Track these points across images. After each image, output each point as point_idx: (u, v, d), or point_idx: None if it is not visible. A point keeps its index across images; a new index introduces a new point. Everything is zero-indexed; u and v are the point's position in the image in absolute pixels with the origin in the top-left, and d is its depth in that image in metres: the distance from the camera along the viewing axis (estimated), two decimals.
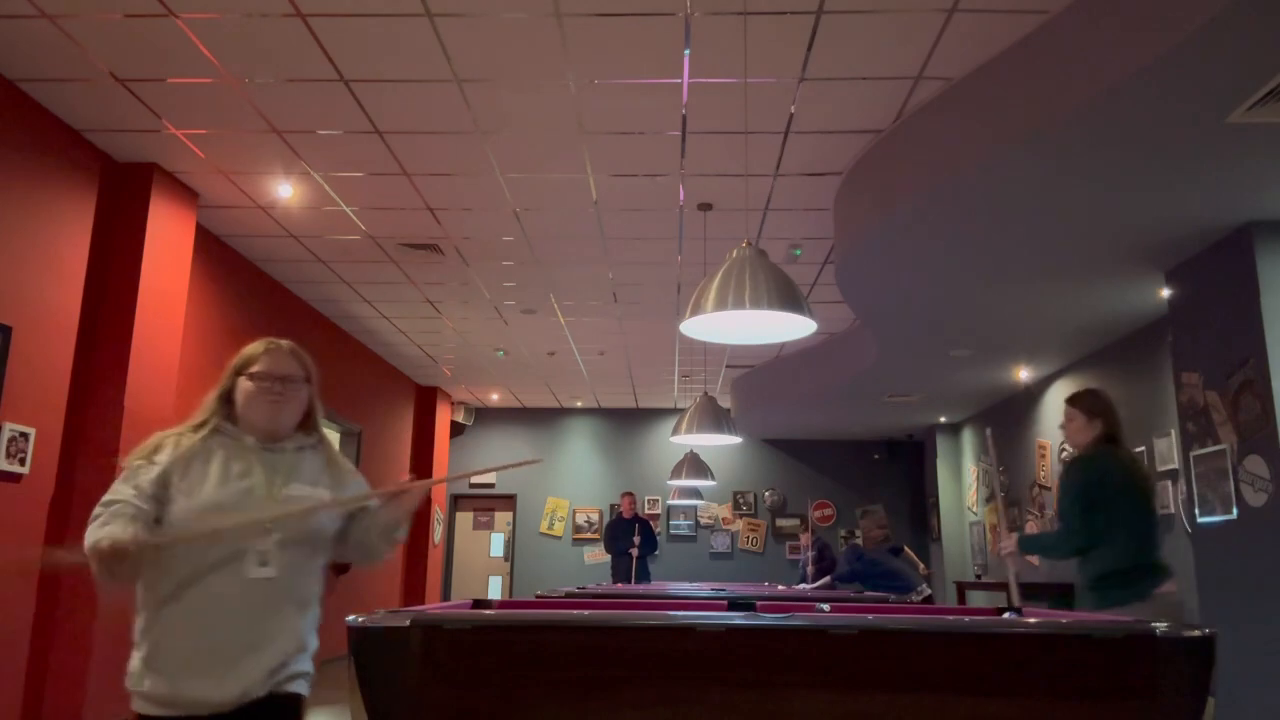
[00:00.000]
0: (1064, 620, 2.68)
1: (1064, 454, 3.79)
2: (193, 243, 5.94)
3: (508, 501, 13.01)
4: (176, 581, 1.95)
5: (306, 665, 2.08)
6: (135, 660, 1.95)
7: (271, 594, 2.00)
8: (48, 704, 4.89)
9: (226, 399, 2.15)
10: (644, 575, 9.85)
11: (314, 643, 2.11)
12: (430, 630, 2.30)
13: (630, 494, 10.73)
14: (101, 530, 1.91)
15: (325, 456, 2.21)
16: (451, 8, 3.97)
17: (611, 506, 12.66)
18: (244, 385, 2.12)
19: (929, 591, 7.86)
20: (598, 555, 12.44)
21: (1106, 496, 3.60)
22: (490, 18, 4.04)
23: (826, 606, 3.32)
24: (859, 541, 10.33)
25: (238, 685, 1.93)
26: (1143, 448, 6.80)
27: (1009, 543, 3.87)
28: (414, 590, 11.60)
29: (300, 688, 2.06)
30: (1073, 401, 3.90)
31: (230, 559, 1.96)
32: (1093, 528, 3.59)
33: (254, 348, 2.18)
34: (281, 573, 2.01)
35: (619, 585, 7.97)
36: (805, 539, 11.00)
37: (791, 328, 3.87)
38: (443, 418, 12.21)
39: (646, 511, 12.51)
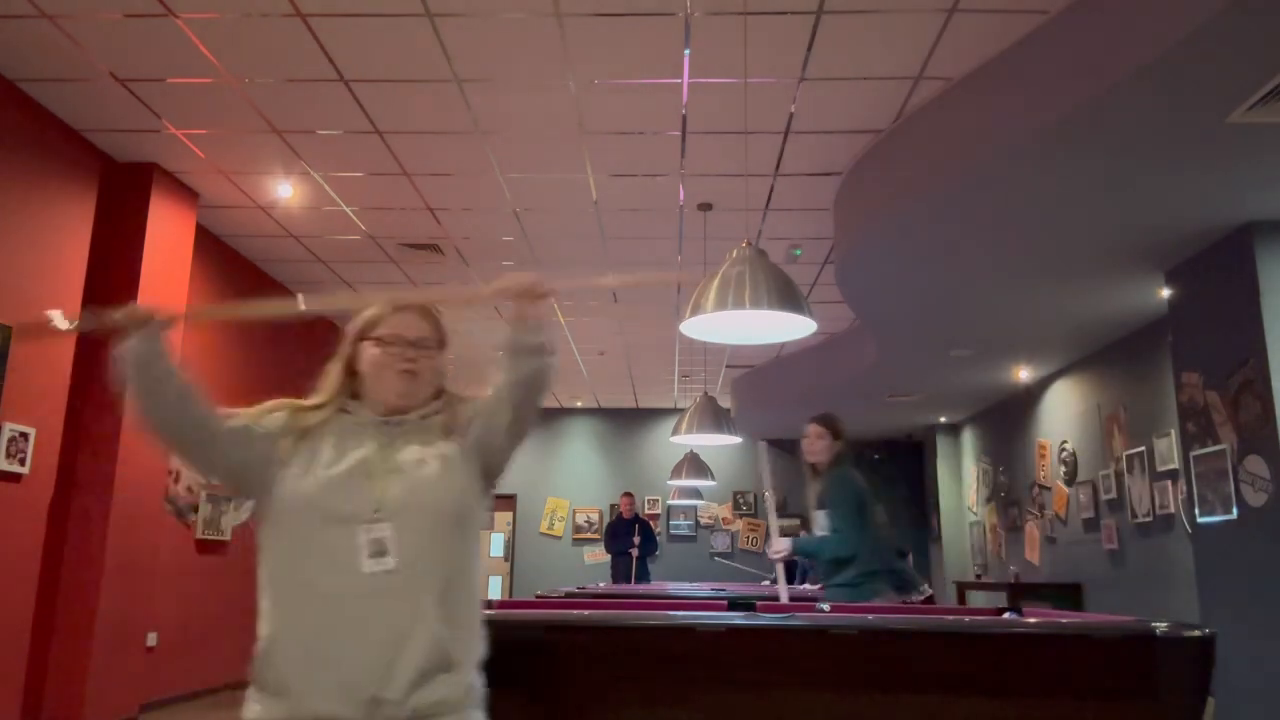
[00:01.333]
0: (1064, 620, 2.68)
1: (816, 465, 4.19)
2: (193, 243, 5.94)
3: (508, 501, 13.01)
4: (282, 579, 1.61)
5: (459, 686, 1.57)
6: (253, 671, 1.60)
7: (395, 591, 1.56)
8: (48, 704, 4.89)
9: (349, 371, 1.80)
10: (644, 575, 9.84)
11: (472, 653, 1.63)
12: None
13: (630, 494, 10.71)
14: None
15: (449, 417, 1.79)
16: (451, 8, 3.96)
17: (611, 506, 12.66)
18: (369, 353, 1.76)
19: (930, 591, 7.86)
20: (598, 555, 12.44)
21: (868, 505, 4.11)
22: (490, 18, 4.04)
23: (826, 606, 3.32)
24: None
25: (360, 708, 1.49)
26: (1143, 447, 6.80)
27: (780, 545, 4.12)
28: None
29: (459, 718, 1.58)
30: (821, 422, 4.33)
31: (340, 550, 1.57)
32: (864, 533, 4.03)
33: (378, 307, 1.82)
34: (406, 563, 1.58)
35: (619, 585, 7.97)
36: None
37: (791, 328, 3.87)
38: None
39: (646, 512, 12.50)
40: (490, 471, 1.76)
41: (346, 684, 1.49)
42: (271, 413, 1.76)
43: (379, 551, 1.57)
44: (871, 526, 4.09)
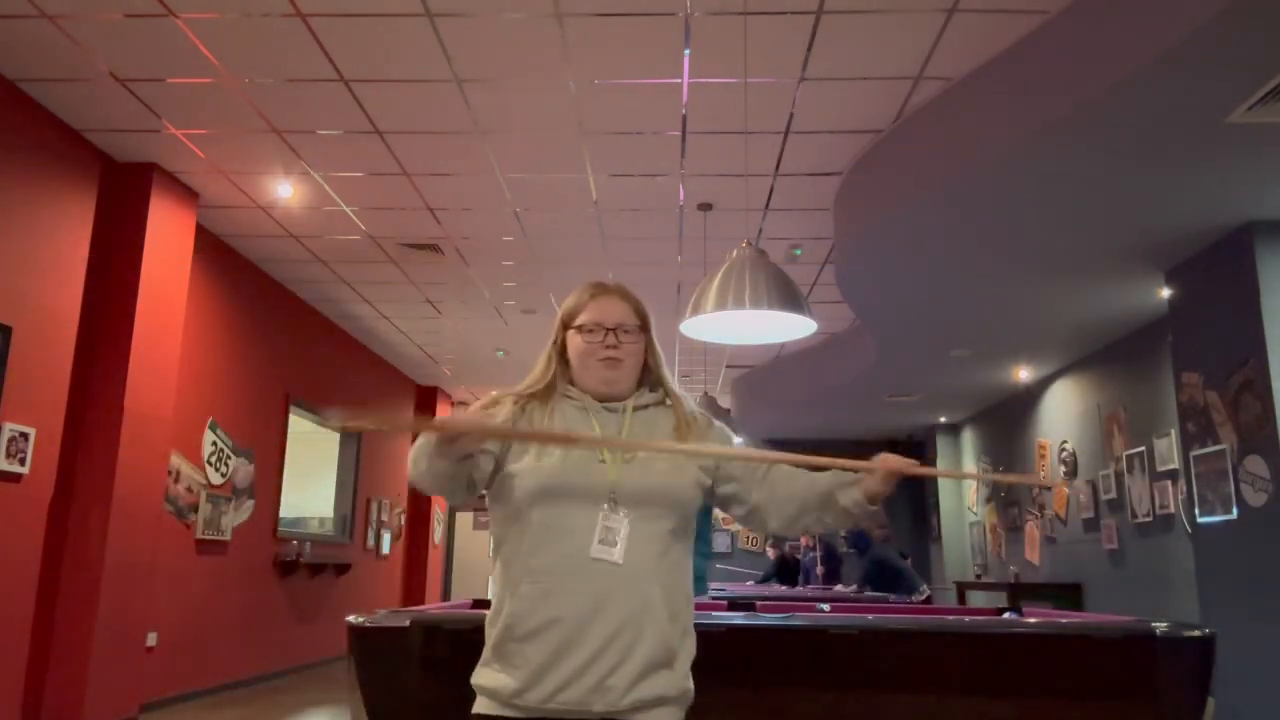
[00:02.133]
0: (1064, 620, 2.68)
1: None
2: (193, 243, 5.94)
3: None
4: (519, 564, 1.62)
5: (676, 683, 1.59)
6: (485, 650, 1.64)
7: (625, 580, 1.57)
8: (48, 703, 4.89)
9: (561, 358, 1.80)
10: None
11: (688, 652, 1.63)
12: (430, 630, 2.30)
13: None
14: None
15: (676, 416, 1.77)
16: (451, 8, 3.96)
17: None
18: (573, 341, 1.77)
19: (928, 592, 7.86)
20: None
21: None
22: (490, 18, 4.04)
23: (826, 606, 3.33)
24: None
25: (585, 693, 1.53)
26: (1143, 447, 6.80)
27: None
28: (414, 590, 11.61)
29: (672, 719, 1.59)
30: None
31: (573, 536, 1.59)
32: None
33: (578, 294, 1.81)
34: (635, 554, 1.59)
35: None
36: (805, 540, 11.01)
37: (791, 328, 3.87)
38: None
39: None
40: (713, 499, 1.78)
41: (577, 668, 1.52)
42: (496, 404, 1.75)
43: (610, 539, 1.58)
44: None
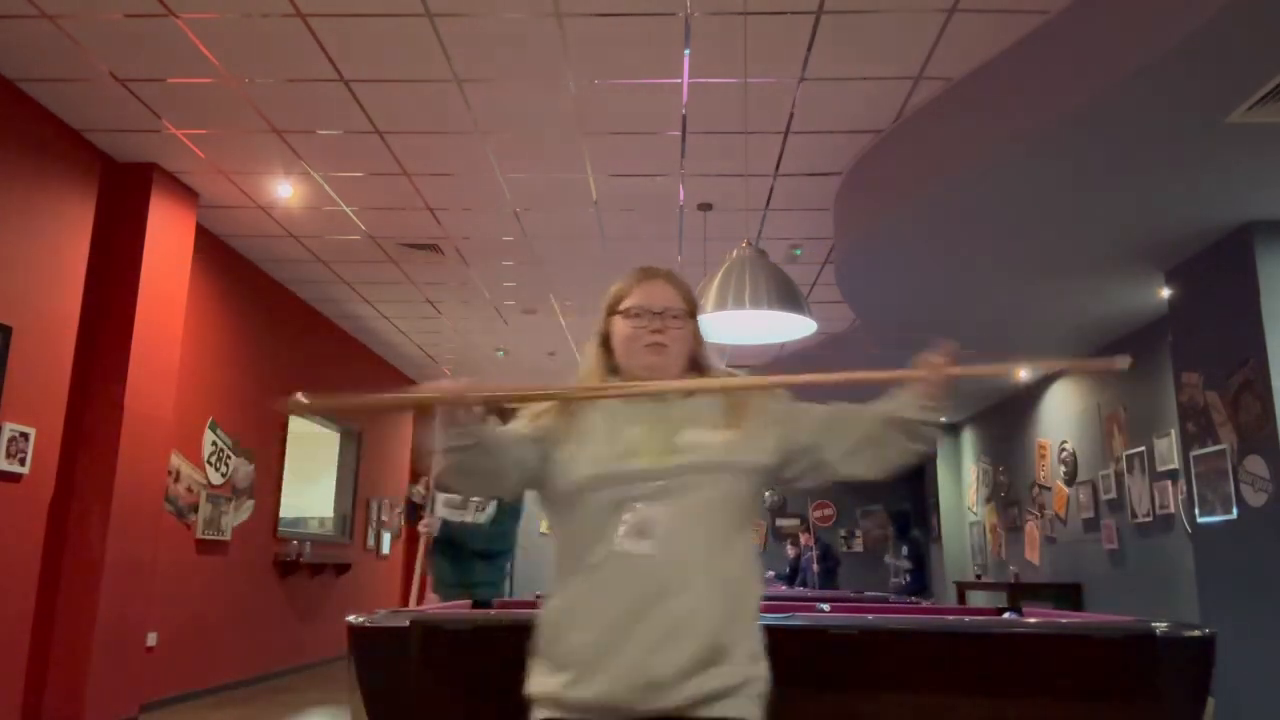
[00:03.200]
0: (1064, 620, 2.68)
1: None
2: (193, 243, 5.94)
3: None
4: (567, 560, 1.61)
5: (733, 676, 1.51)
6: (539, 643, 1.62)
7: (670, 576, 1.51)
8: (48, 703, 4.89)
9: (606, 345, 1.75)
10: None
11: (746, 646, 1.55)
12: (430, 630, 2.30)
13: None
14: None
15: (723, 400, 1.70)
16: (451, 8, 3.96)
17: None
18: (619, 327, 1.71)
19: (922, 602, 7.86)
20: None
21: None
22: (490, 18, 4.04)
23: (826, 606, 3.32)
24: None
25: (636, 692, 1.47)
26: (1143, 447, 6.80)
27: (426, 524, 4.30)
28: None
29: (739, 709, 1.50)
30: None
31: (613, 530, 1.54)
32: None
33: (625, 279, 1.76)
34: (678, 548, 1.52)
35: None
36: (806, 539, 10.99)
37: (791, 328, 3.87)
38: None
39: None
40: (782, 479, 1.71)
41: (625, 666, 1.48)
42: (542, 410, 1.70)
43: (643, 533, 1.52)
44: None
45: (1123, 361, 1.56)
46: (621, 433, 1.60)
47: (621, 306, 1.72)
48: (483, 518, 4.10)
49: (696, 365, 1.75)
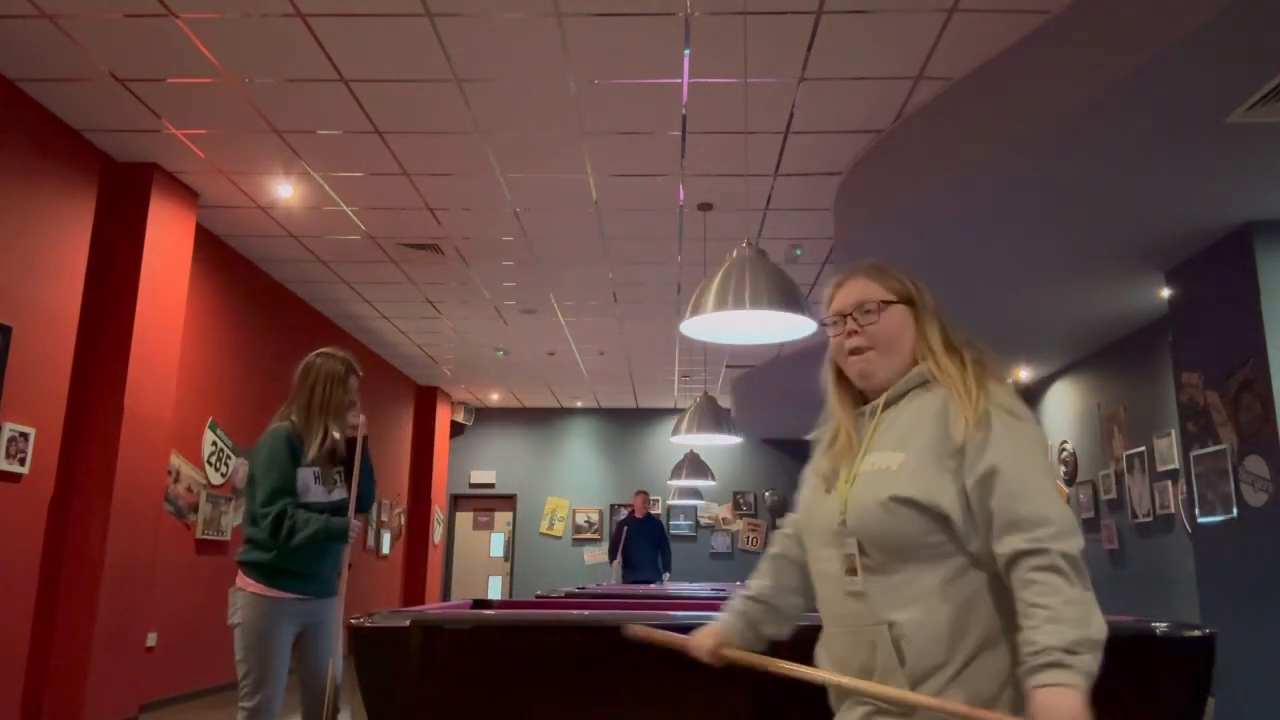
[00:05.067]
0: None
1: None
2: (193, 243, 5.94)
3: (508, 501, 13.00)
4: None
5: None
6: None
7: (862, 616, 1.40)
8: (48, 703, 4.89)
9: (837, 369, 1.61)
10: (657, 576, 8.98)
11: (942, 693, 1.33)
12: (430, 630, 2.30)
13: (644, 492, 9.72)
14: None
15: (940, 402, 1.42)
16: (451, 8, 3.96)
17: (613, 507, 12.64)
18: (832, 343, 1.58)
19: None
20: (597, 555, 12.43)
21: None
22: (490, 18, 4.04)
23: None
24: None
25: None
26: (1143, 447, 6.80)
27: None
28: (414, 590, 11.60)
29: None
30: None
31: (823, 568, 1.48)
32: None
33: (830, 284, 1.61)
34: (874, 589, 1.38)
35: (619, 587, 7.41)
36: None
37: (791, 328, 3.87)
38: (443, 418, 12.21)
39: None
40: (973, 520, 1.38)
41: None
42: (822, 440, 1.61)
43: (850, 569, 1.40)
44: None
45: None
46: (826, 462, 1.59)
47: (825, 318, 1.59)
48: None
49: (934, 367, 1.48)
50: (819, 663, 1.51)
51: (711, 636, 1.61)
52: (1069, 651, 1.21)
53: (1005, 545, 1.31)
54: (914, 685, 1.33)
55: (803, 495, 1.57)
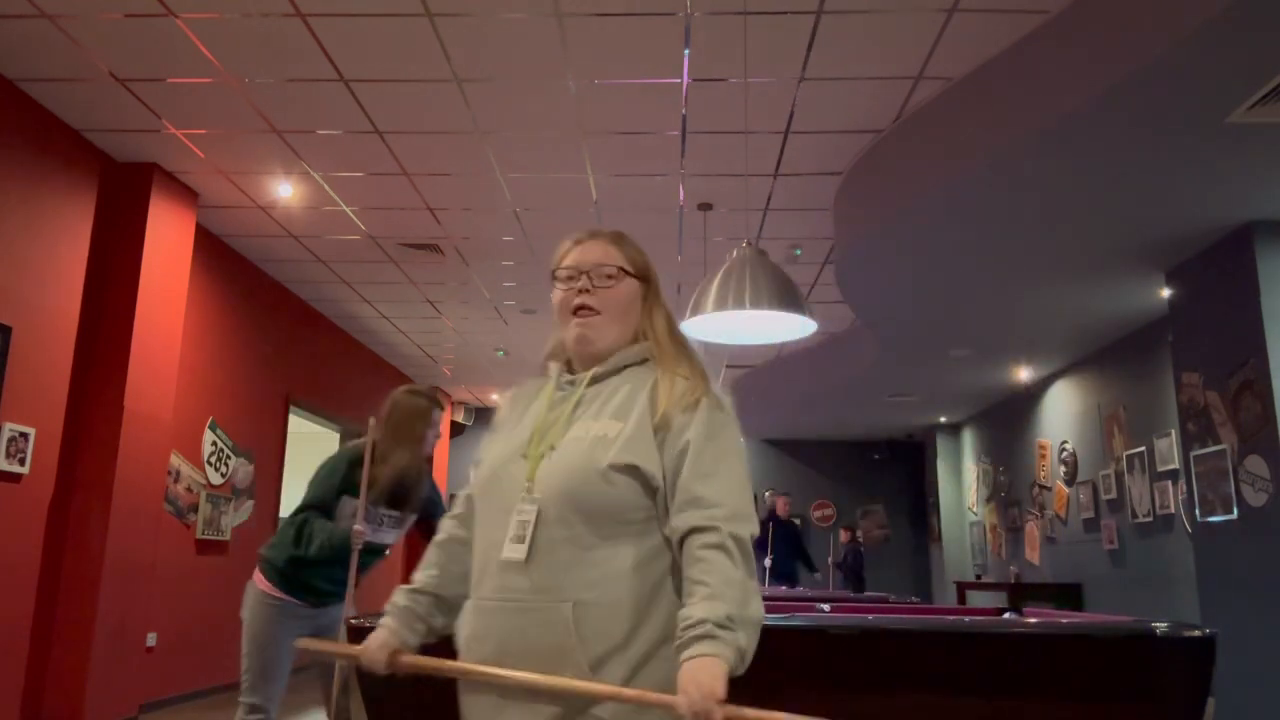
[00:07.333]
0: (1064, 620, 2.68)
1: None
2: (193, 243, 5.94)
3: None
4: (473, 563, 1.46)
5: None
6: None
7: (533, 590, 1.32)
8: (47, 704, 4.89)
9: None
10: (793, 577, 9.01)
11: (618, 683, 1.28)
12: None
13: (785, 494, 9.40)
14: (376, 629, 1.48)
15: (653, 379, 1.41)
16: (451, 8, 3.96)
17: None
18: (554, 297, 1.50)
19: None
20: None
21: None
22: (490, 18, 4.04)
23: (827, 606, 3.33)
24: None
25: None
26: (1143, 448, 6.80)
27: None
28: None
29: None
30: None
31: (492, 537, 1.39)
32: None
33: (567, 240, 1.53)
34: (543, 559, 1.32)
35: None
36: (845, 535, 11.00)
37: (791, 328, 3.87)
38: (443, 417, 12.20)
39: None
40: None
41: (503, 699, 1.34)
42: (504, 405, 1.57)
43: (518, 537, 1.33)
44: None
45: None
46: (522, 427, 1.53)
47: (554, 270, 1.51)
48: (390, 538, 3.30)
49: (652, 348, 1.47)
50: (460, 637, 1.43)
51: (382, 646, 1.45)
52: (721, 626, 1.21)
53: (682, 520, 1.32)
54: (594, 668, 1.28)
55: (484, 463, 1.48)
